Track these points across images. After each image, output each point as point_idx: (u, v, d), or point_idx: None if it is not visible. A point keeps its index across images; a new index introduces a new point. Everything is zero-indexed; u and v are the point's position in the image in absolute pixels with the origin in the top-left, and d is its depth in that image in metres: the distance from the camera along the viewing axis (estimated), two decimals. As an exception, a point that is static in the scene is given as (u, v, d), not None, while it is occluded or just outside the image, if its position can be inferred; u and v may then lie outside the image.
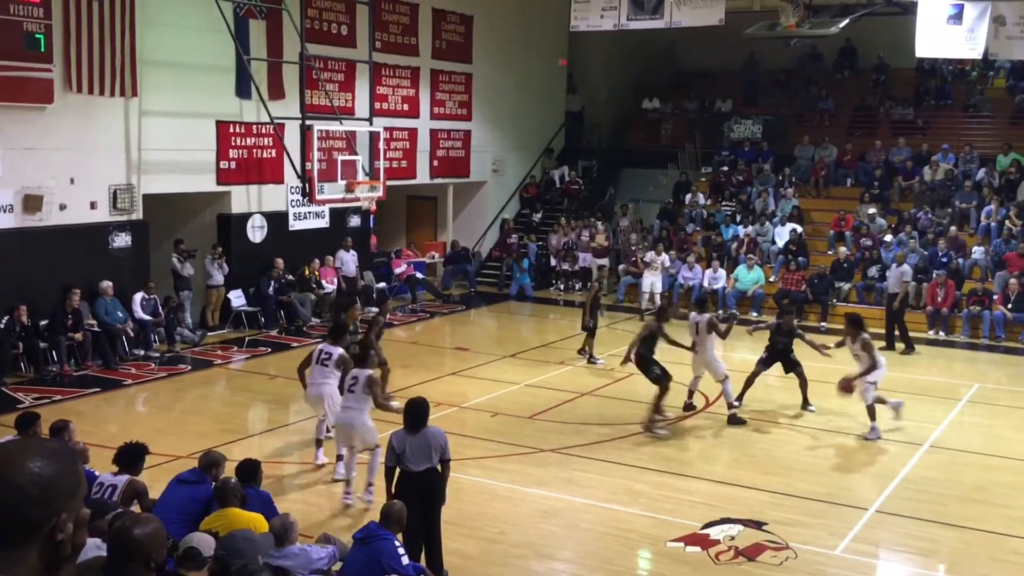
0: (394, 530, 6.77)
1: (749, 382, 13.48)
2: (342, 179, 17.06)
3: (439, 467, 7.86)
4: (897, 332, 17.87)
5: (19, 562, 1.93)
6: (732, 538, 9.08)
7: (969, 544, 9.24)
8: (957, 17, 17.30)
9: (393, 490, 7.80)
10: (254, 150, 18.61)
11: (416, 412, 7.93)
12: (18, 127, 14.74)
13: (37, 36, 14.65)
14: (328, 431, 11.00)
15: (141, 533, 3.18)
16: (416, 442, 7.78)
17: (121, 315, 15.83)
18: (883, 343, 17.83)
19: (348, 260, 20.08)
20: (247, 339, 17.73)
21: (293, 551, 6.53)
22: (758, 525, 9.37)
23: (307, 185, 16.79)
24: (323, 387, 10.73)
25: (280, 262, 18.74)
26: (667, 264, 21.41)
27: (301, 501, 9.95)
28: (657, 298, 20.70)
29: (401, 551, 6.62)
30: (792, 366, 13.53)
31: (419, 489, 7.69)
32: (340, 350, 10.96)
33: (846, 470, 11.25)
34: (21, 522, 1.91)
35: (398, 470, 7.84)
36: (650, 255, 21.51)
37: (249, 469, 7.56)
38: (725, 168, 25.18)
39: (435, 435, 7.88)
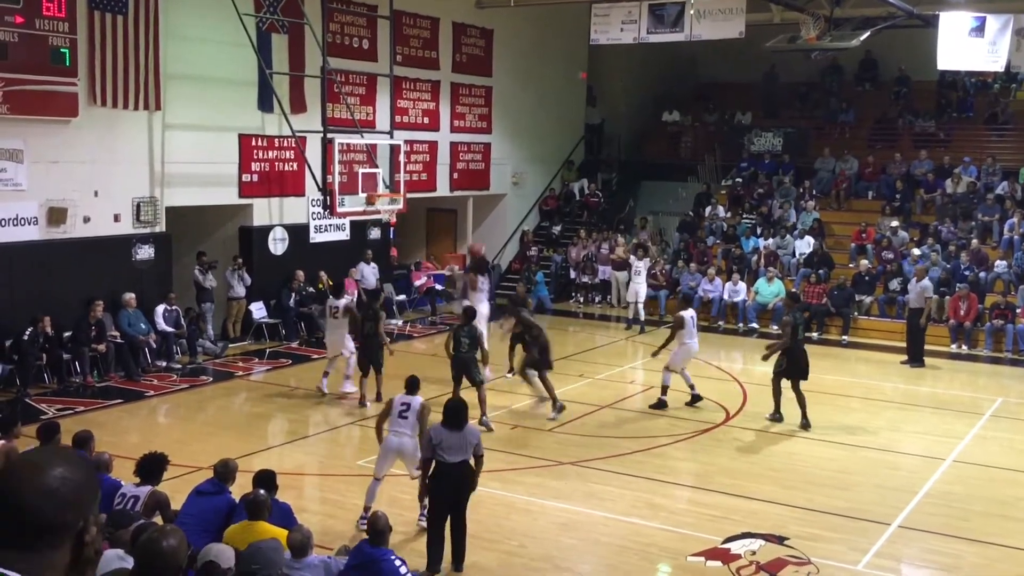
0: (386, 542, 6.76)
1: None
2: (363, 192, 17.14)
3: (471, 460, 8.51)
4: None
5: (49, 565, 1.99)
6: (753, 553, 9.04)
7: (992, 560, 9.17)
8: (979, 30, 17.24)
9: (428, 479, 8.55)
10: (276, 163, 18.73)
11: (458, 412, 8.55)
12: (43, 140, 14.90)
13: (62, 50, 14.82)
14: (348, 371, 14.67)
15: (169, 545, 3.22)
16: (454, 437, 8.40)
17: (144, 327, 15.94)
18: (905, 357, 17.78)
19: (368, 273, 20.14)
20: (268, 351, 17.81)
21: (313, 562, 6.54)
22: (780, 540, 9.32)
23: (328, 198, 16.87)
24: (337, 334, 14.68)
25: (301, 274, 18.83)
26: (646, 267, 21.06)
27: (321, 513, 9.99)
28: (640, 308, 20.60)
29: (401, 568, 6.59)
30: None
31: (453, 478, 8.42)
32: (344, 301, 14.85)
33: (868, 484, 11.16)
34: (55, 525, 1.99)
35: (434, 461, 8.45)
36: (632, 259, 21.34)
37: (266, 479, 7.58)
38: (739, 180, 25.16)
39: (472, 432, 8.61)
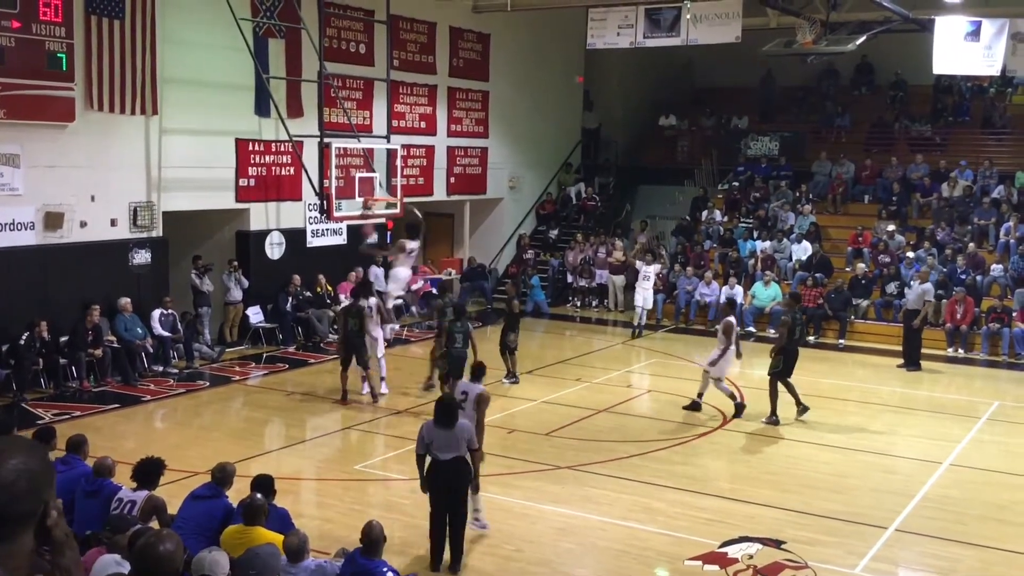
0: (379, 552, 6.61)
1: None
2: (360, 196, 17.12)
3: (467, 456, 8.58)
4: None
5: (11, 555, 2.01)
6: (750, 557, 9.04)
7: (989, 563, 9.17)
8: (975, 34, 17.27)
9: (424, 475, 8.65)
10: (273, 168, 18.73)
11: (448, 410, 8.58)
12: (40, 145, 14.90)
13: (59, 55, 14.82)
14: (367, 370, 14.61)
15: (166, 550, 3.22)
16: (445, 434, 8.48)
17: (140, 331, 15.92)
18: (900, 360, 17.80)
19: (380, 275, 20.06)
20: (265, 355, 17.80)
21: (309, 567, 6.53)
22: (777, 544, 9.32)
23: (325, 202, 16.85)
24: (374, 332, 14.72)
25: (297, 278, 18.83)
26: (655, 272, 20.90)
27: (319, 517, 9.97)
28: (644, 314, 20.55)
29: None
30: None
31: (447, 474, 8.50)
32: (374, 300, 14.96)
33: (865, 488, 11.17)
34: (15, 516, 2.01)
35: (428, 458, 8.56)
36: (639, 264, 21.23)
37: (263, 483, 7.58)
38: (736, 184, 25.21)
39: (463, 428, 8.62)
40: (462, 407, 9.49)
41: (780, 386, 13.52)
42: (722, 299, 21.23)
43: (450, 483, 8.54)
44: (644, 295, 20.56)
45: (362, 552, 6.57)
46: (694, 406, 14.22)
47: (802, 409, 13.43)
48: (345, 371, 14.43)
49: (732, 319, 14.12)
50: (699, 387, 14.21)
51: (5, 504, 1.98)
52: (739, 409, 13.94)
